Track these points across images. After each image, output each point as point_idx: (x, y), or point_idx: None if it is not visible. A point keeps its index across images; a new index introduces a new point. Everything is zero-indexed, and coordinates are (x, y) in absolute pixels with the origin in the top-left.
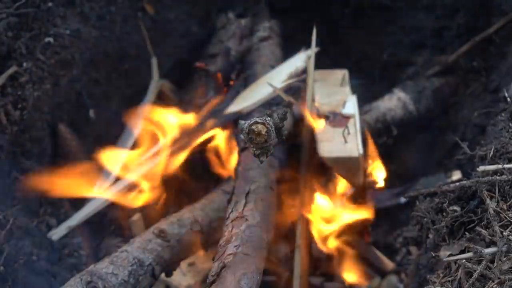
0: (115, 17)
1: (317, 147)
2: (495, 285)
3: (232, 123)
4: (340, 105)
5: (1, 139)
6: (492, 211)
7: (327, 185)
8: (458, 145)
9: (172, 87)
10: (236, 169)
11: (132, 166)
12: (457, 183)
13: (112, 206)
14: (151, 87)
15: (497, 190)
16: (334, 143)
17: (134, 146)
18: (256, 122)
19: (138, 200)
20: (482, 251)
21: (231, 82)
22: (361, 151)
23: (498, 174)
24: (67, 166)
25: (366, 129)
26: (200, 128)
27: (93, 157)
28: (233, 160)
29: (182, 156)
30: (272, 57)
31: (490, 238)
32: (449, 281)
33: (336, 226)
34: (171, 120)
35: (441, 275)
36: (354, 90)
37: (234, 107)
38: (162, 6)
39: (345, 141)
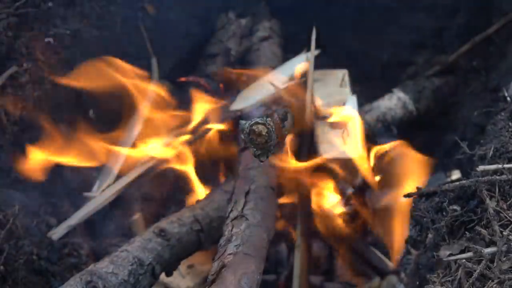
0: (115, 17)
1: (317, 147)
2: (495, 285)
3: (233, 121)
4: (339, 106)
5: (1, 139)
6: (492, 211)
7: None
8: (458, 145)
9: (172, 87)
10: (236, 169)
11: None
12: (457, 183)
13: (112, 205)
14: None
15: (497, 189)
16: (333, 144)
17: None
18: (257, 123)
19: None
20: (482, 251)
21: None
22: (360, 152)
23: (498, 173)
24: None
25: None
26: (201, 124)
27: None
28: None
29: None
30: (272, 57)
31: (490, 237)
32: (449, 280)
33: None
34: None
35: (441, 274)
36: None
37: (235, 106)
38: (163, 6)
39: (345, 142)
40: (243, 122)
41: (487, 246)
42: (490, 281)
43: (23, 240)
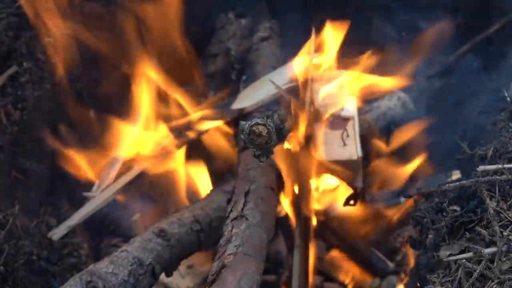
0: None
1: (316, 149)
2: (495, 285)
3: (233, 121)
4: (339, 107)
5: (1, 139)
6: (492, 211)
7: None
8: (458, 145)
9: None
10: (236, 169)
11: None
12: (457, 183)
13: (112, 205)
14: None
15: (497, 190)
16: (333, 145)
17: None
18: (257, 123)
19: None
20: (482, 251)
21: None
22: (360, 153)
23: (498, 174)
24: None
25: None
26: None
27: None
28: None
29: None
30: (272, 57)
31: (490, 238)
32: (449, 281)
33: None
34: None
35: (441, 275)
36: None
37: (235, 105)
38: None
39: (344, 144)
40: (243, 122)
41: (487, 246)
42: (490, 281)
43: (23, 240)
